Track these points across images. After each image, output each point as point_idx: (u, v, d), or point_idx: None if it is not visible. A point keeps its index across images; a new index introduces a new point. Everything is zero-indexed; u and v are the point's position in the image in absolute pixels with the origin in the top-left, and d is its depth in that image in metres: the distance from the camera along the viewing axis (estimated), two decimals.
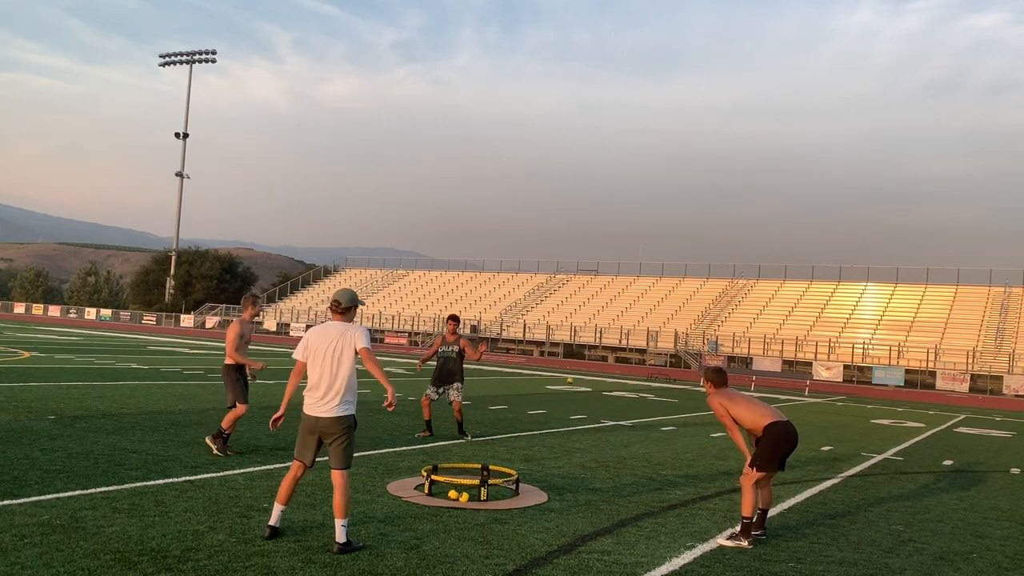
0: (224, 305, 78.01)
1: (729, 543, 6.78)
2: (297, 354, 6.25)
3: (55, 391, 14.72)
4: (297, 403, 6.35)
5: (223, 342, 44.42)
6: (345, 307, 6.27)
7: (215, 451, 9.34)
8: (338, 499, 5.99)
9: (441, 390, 12.36)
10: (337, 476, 6.03)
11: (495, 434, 12.89)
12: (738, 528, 7.01)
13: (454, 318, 12.60)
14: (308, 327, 64.63)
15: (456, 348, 12.42)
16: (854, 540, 7.33)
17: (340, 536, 5.90)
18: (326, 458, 6.20)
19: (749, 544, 6.80)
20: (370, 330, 68.24)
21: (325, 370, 6.08)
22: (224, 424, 9.49)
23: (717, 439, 14.12)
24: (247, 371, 9.95)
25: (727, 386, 7.44)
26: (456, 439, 11.96)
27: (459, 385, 12.38)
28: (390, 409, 6.10)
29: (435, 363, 12.67)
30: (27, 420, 11.03)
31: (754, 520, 7.06)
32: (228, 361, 9.80)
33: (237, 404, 9.62)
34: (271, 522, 6.09)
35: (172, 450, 9.44)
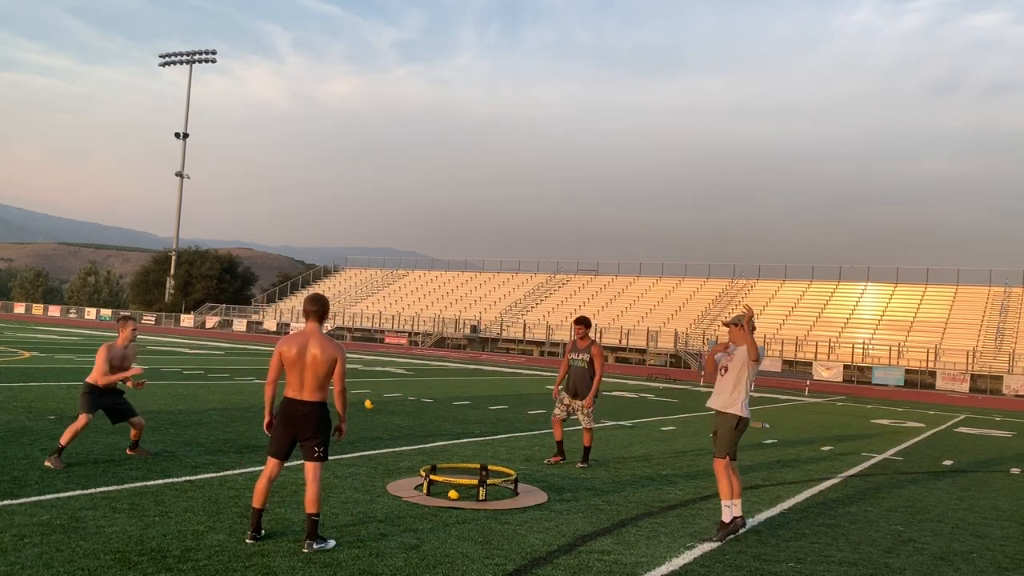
0: (224, 305, 78.02)
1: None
2: None
3: (55, 391, 14.72)
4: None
5: (223, 342, 44.23)
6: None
7: (50, 464, 8.09)
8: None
9: (570, 405, 10.54)
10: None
11: (495, 434, 12.88)
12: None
13: (583, 321, 10.60)
14: None
15: (587, 356, 10.44)
16: (854, 540, 7.33)
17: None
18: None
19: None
20: (369, 330, 67.88)
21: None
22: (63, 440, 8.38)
23: None
24: (130, 383, 9.01)
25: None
26: (455, 440, 11.93)
27: (588, 407, 10.37)
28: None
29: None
30: (27, 420, 11.03)
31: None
32: (89, 379, 8.80)
33: (81, 416, 8.54)
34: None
35: (172, 450, 9.44)
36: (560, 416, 10.58)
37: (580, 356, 10.49)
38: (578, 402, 10.47)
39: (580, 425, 10.62)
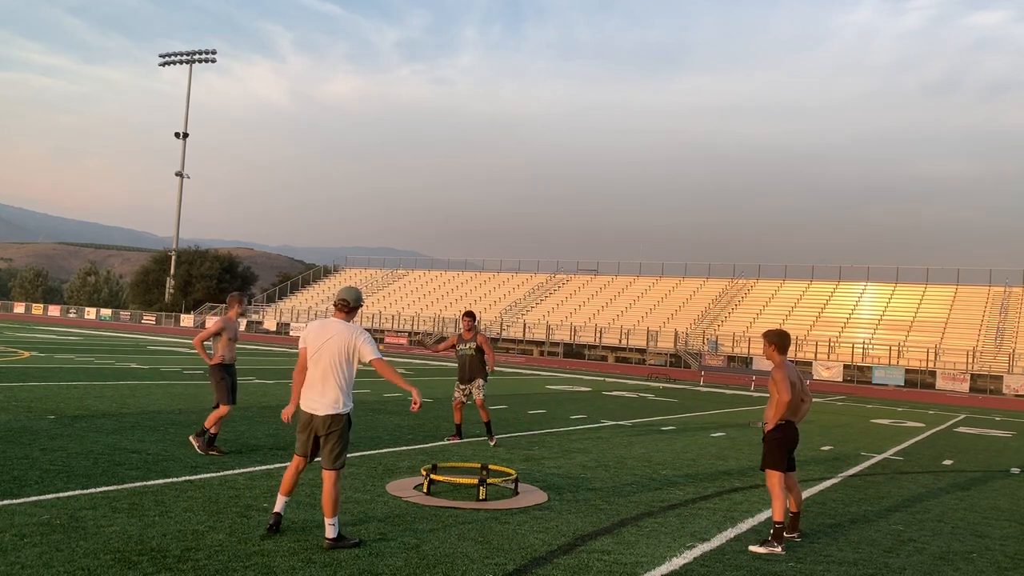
0: (224, 305, 78.04)
1: (762, 549, 6.67)
2: (301, 344, 6.30)
3: (55, 391, 14.72)
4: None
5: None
6: (352, 306, 6.27)
7: (196, 448, 9.30)
8: (325, 498, 6.00)
9: (465, 389, 11.93)
10: (326, 475, 6.04)
11: (495, 434, 12.87)
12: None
13: (470, 315, 12.19)
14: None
15: (474, 345, 11.96)
16: (854, 540, 7.33)
17: (330, 532, 5.96)
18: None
19: (782, 550, 6.71)
20: (369, 330, 68.19)
21: (321, 368, 6.10)
22: (207, 423, 9.42)
23: (717, 439, 14.12)
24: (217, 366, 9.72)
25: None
26: (459, 438, 11.92)
27: (481, 382, 11.91)
28: (414, 409, 6.21)
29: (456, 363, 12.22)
30: (27, 420, 11.02)
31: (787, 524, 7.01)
32: (214, 361, 9.65)
33: (220, 405, 9.50)
34: (275, 508, 6.18)
35: (172, 450, 9.44)
36: (460, 400, 11.99)
37: (467, 345, 11.91)
38: (472, 384, 11.88)
39: (474, 403, 11.91)
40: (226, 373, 9.66)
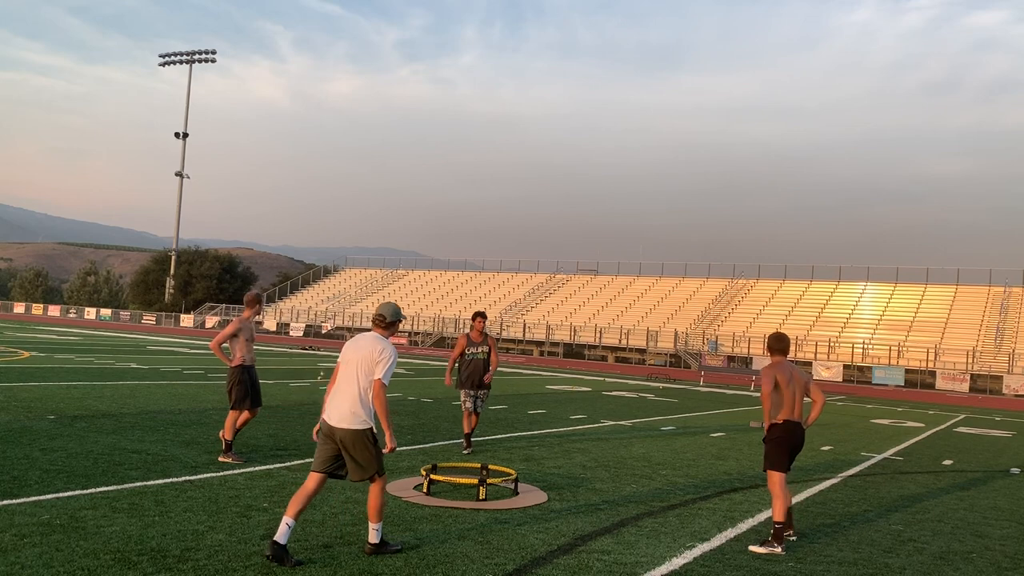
0: (224, 305, 78.03)
1: (762, 549, 6.69)
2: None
3: (55, 391, 14.72)
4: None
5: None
6: (390, 321, 6.08)
7: (232, 461, 8.93)
8: (369, 504, 5.91)
9: (475, 396, 11.14)
10: (370, 486, 5.95)
11: (495, 434, 12.88)
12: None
13: (482, 315, 11.35)
14: (308, 327, 64.60)
15: (486, 349, 11.23)
16: (854, 540, 7.33)
17: (373, 537, 5.89)
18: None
19: (783, 550, 6.72)
20: (371, 330, 68.05)
21: (346, 380, 5.89)
22: (227, 434, 9.12)
23: (717, 439, 14.12)
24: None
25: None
26: (455, 440, 11.92)
27: (486, 394, 11.28)
28: (386, 451, 5.92)
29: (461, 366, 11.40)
30: (27, 420, 11.02)
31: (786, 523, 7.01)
32: (234, 363, 9.36)
33: (233, 408, 9.24)
34: (277, 536, 5.51)
35: (172, 450, 9.44)
36: (470, 408, 11.17)
37: (480, 349, 11.22)
38: (482, 391, 11.20)
39: (475, 410, 11.18)
40: (246, 375, 9.35)
